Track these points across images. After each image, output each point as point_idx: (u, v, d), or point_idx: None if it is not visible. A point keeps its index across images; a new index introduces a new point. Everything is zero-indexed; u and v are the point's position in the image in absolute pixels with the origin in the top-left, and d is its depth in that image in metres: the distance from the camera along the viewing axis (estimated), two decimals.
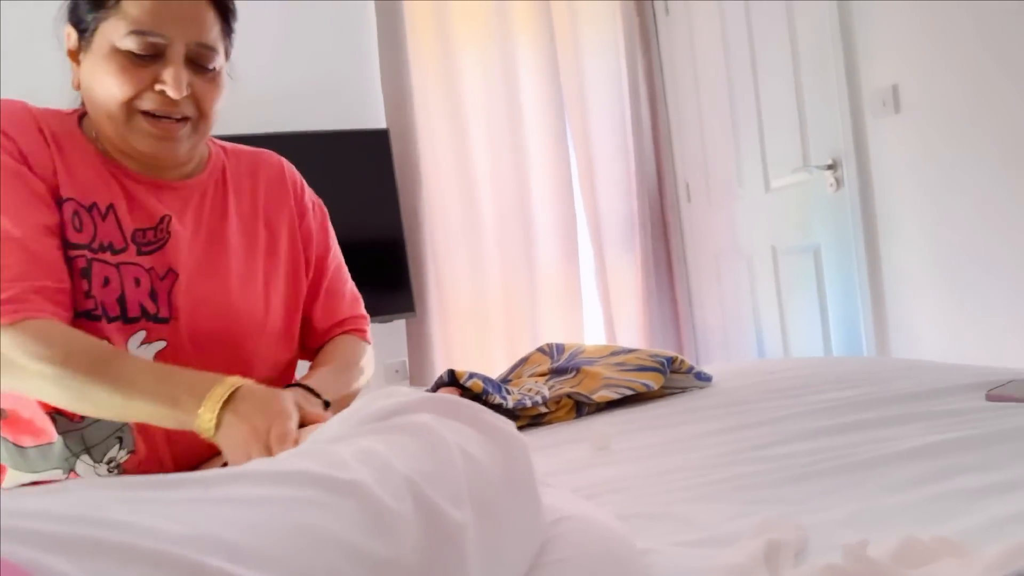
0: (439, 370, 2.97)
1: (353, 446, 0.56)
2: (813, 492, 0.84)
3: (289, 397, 0.87)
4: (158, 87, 0.94)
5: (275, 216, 1.14)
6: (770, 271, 2.96)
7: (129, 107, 0.95)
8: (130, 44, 0.92)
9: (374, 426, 0.61)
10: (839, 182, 2.56)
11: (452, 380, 1.40)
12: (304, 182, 1.22)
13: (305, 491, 0.47)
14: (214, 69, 0.99)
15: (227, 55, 1.04)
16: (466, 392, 1.37)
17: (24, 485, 0.96)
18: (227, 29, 1.02)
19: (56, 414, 0.95)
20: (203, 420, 0.83)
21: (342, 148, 2.82)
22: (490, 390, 1.39)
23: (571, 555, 0.62)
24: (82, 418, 0.95)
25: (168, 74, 0.93)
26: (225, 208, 1.09)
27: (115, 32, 0.92)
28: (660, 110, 3.49)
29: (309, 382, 1.03)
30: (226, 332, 1.03)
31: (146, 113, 0.95)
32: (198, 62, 0.97)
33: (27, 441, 0.95)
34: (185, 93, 0.94)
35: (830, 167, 2.58)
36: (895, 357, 2.36)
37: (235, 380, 0.86)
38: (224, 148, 1.16)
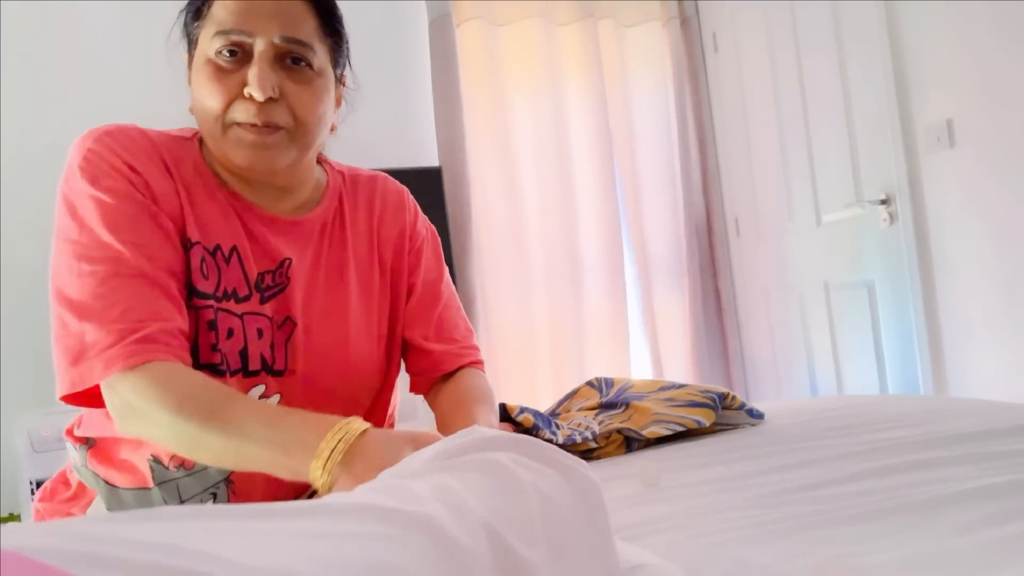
0: None
1: (429, 482, 0.56)
2: (869, 533, 0.83)
3: (408, 450, 0.75)
4: (247, 91, 0.88)
5: (388, 246, 1.10)
6: (823, 307, 2.92)
7: (223, 120, 0.90)
8: (217, 45, 0.88)
9: (451, 462, 0.61)
10: (893, 217, 2.53)
11: (504, 415, 1.42)
12: (419, 209, 1.19)
13: (381, 527, 0.48)
14: (310, 68, 0.92)
15: (336, 62, 0.97)
16: (518, 427, 1.38)
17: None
18: (328, 29, 0.94)
19: (154, 462, 0.93)
20: (315, 475, 0.76)
21: None
22: (541, 425, 1.40)
23: None
24: (178, 467, 0.93)
25: (252, 73, 0.87)
26: (343, 245, 1.05)
27: (207, 40, 0.89)
28: (708, 145, 3.50)
29: None
30: (341, 385, 1.00)
31: (240, 125, 0.89)
32: (289, 61, 0.90)
33: (119, 480, 0.95)
34: (272, 94, 0.88)
35: (883, 202, 2.55)
36: (952, 396, 2.30)
37: (348, 428, 0.78)
38: (342, 173, 1.11)
